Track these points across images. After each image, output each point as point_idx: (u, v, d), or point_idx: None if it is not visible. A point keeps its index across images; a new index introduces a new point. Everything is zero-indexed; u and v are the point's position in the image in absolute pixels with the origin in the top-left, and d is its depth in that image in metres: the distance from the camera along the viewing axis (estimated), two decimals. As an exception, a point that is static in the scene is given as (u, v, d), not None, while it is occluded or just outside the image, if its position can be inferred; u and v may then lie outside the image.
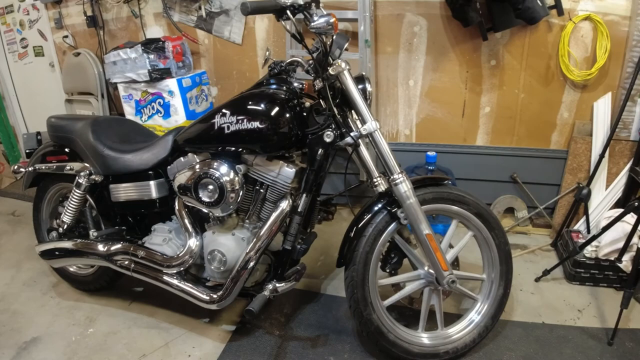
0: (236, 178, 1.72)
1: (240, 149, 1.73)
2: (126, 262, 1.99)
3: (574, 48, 2.43)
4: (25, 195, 3.35)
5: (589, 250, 2.22)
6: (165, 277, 1.92)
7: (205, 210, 1.81)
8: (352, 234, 1.72)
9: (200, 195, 1.75)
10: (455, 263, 1.88)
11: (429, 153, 2.50)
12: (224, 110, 1.69)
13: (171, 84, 2.70)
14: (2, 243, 2.95)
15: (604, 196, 2.47)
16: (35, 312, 2.27)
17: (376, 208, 1.71)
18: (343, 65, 1.59)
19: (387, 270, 1.84)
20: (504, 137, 2.71)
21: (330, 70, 1.59)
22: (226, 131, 1.67)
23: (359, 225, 1.71)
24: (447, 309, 2.05)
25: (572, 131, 2.58)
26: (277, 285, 1.75)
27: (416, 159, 2.69)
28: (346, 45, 1.70)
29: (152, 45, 2.66)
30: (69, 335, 2.10)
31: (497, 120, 2.69)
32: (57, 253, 2.17)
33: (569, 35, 2.39)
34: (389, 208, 1.69)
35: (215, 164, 1.73)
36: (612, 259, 2.15)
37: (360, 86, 1.66)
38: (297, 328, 2.06)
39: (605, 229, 2.07)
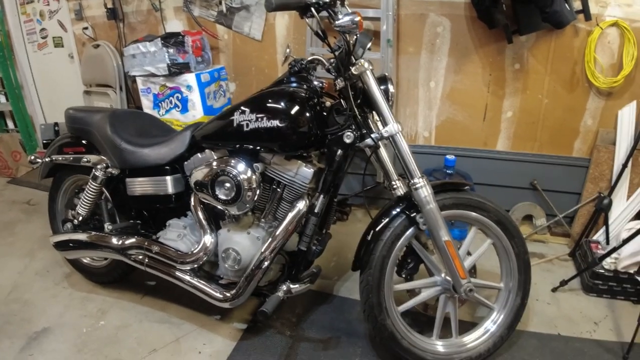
0: (253, 176, 1.70)
1: (258, 147, 1.70)
2: (140, 257, 1.98)
3: (600, 54, 2.37)
4: (40, 184, 3.37)
5: (607, 262, 2.18)
6: (179, 273, 1.91)
7: (221, 207, 1.79)
8: (369, 237, 1.69)
9: (217, 193, 1.73)
10: (473, 271, 1.84)
11: (448, 157, 2.46)
12: (243, 108, 1.66)
13: (190, 78, 2.70)
14: (17, 232, 2.97)
15: (625, 207, 2.41)
16: (47, 302, 2.28)
17: (394, 212, 1.68)
18: (366, 65, 1.56)
19: (403, 276, 1.80)
20: (525, 143, 2.66)
21: (353, 70, 1.56)
22: (245, 129, 1.65)
23: (377, 229, 1.68)
24: (461, 316, 2.01)
25: (596, 139, 2.52)
26: (291, 286, 1.73)
27: (435, 161, 2.66)
28: (369, 45, 1.67)
29: (172, 40, 2.65)
30: (80, 326, 2.10)
31: (519, 125, 2.63)
32: (71, 245, 2.17)
33: (595, 41, 2.33)
34: (407, 212, 1.66)
35: (233, 161, 1.71)
36: (632, 272, 2.10)
37: (382, 87, 1.62)
38: (308, 329, 2.04)
39: (626, 241, 2.02)
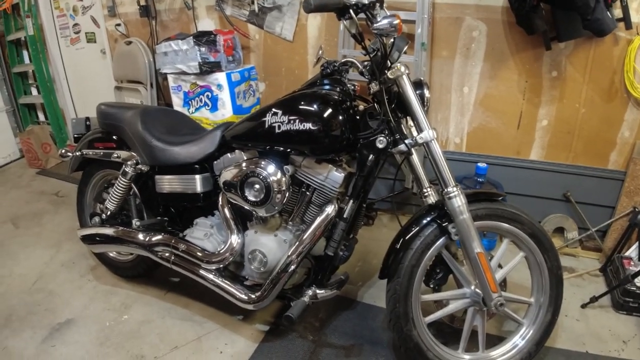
0: (283, 179, 1.68)
1: (289, 150, 1.69)
2: (166, 254, 1.99)
3: (640, 64, 2.29)
4: (69, 177, 3.43)
5: (639, 280, 2.09)
6: (204, 272, 1.92)
7: (249, 208, 1.78)
8: (398, 246, 1.65)
9: (246, 194, 1.72)
10: (503, 284, 1.79)
11: (479, 164, 2.41)
12: (275, 109, 1.65)
13: (220, 77, 2.70)
14: (44, 223, 3.02)
15: (660, 223, 2.32)
16: (71, 294, 2.31)
17: (425, 221, 1.64)
18: (402, 69, 1.52)
19: (431, 286, 1.76)
20: (560, 153, 2.58)
21: (389, 74, 1.53)
22: (276, 130, 1.64)
23: (406, 237, 1.64)
24: (487, 330, 1.96)
25: (632, 152, 2.43)
26: (317, 291, 1.71)
27: (465, 169, 2.60)
28: (405, 48, 1.64)
29: (204, 38, 2.66)
30: (103, 320, 2.13)
31: (554, 134, 2.56)
32: (98, 239, 2.20)
33: (635, 51, 2.25)
34: (439, 221, 1.61)
35: (263, 163, 1.70)
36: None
37: (418, 92, 1.59)
38: (331, 335, 2.01)
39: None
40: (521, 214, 1.66)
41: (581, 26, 2.15)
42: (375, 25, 1.43)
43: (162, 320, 2.12)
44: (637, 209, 2.37)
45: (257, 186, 1.69)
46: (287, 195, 1.70)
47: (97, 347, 1.96)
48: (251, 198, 1.72)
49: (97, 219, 2.26)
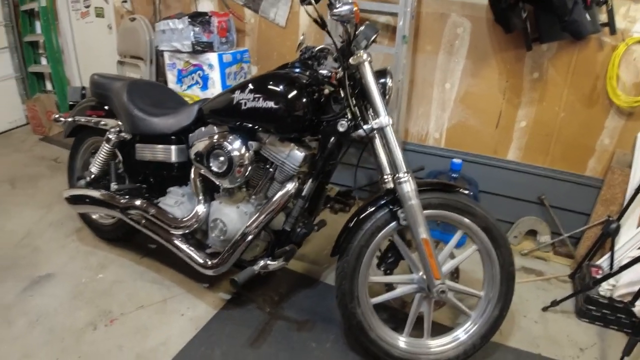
0: (246, 154, 1.77)
1: (255, 127, 1.76)
2: (138, 217, 2.10)
3: (623, 71, 2.27)
4: (69, 144, 3.55)
5: (604, 288, 2.09)
6: (171, 237, 2.02)
7: (214, 180, 1.87)
8: (351, 225, 1.71)
9: (211, 165, 1.82)
10: (455, 275, 1.84)
11: (454, 160, 2.44)
12: (244, 87, 1.73)
13: (212, 57, 2.79)
14: (40, 185, 3.16)
15: (633, 234, 2.29)
16: (55, 252, 2.44)
17: (379, 204, 1.69)
18: (365, 56, 1.58)
19: (382, 269, 1.83)
20: (537, 156, 2.59)
21: (351, 60, 1.59)
22: (242, 107, 1.72)
23: (359, 218, 1.70)
24: (442, 320, 2.02)
25: (611, 160, 2.42)
26: (269, 262, 1.78)
27: (442, 164, 2.63)
28: (374, 37, 1.69)
29: (199, 19, 2.74)
30: (79, 277, 2.25)
31: (532, 136, 2.57)
32: (80, 200, 2.31)
33: (619, 57, 2.23)
34: (391, 206, 1.67)
35: (230, 137, 1.79)
36: (626, 301, 2.01)
37: (381, 80, 1.65)
38: (288, 309, 2.09)
39: (624, 268, 1.92)
40: (475, 206, 1.68)
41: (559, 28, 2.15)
42: (333, 11, 1.49)
43: (133, 282, 2.23)
44: (611, 218, 2.36)
45: (221, 158, 1.78)
46: (249, 169, 1.79)
47: (70, 300, 2.09)
48: (215, 169, 1.81)
49: (82, 181, 2.38)
